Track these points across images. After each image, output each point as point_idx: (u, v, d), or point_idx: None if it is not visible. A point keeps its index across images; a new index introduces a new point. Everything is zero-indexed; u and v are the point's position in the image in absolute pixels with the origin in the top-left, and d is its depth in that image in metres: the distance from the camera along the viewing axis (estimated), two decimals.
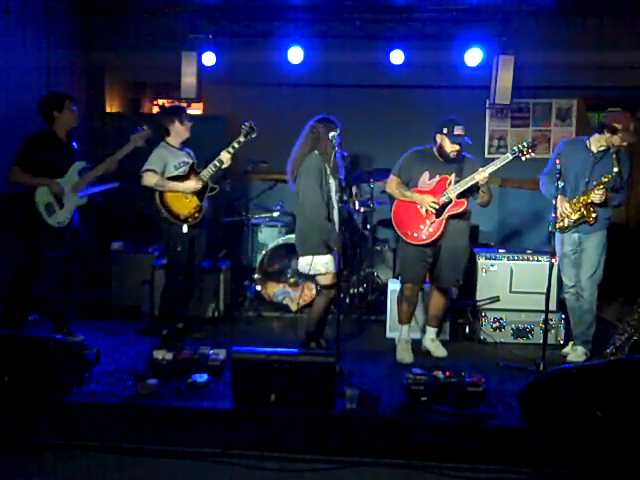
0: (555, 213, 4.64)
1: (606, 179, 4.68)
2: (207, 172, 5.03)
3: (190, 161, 5.10)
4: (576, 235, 4.88)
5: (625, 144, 4.70)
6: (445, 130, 4.69)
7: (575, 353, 4.95)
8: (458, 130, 4.68)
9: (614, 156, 4.65)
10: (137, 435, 3.73)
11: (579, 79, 6.93)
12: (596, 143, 4.79)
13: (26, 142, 4.68)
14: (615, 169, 4.65)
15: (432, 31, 6.56)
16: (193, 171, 5.06)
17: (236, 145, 4.96)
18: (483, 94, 6.82)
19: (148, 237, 6.24)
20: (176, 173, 5.02)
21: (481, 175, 4.62)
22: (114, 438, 3.70)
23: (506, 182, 6.90)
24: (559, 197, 4.72)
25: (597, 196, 4.70)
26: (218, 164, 5.00)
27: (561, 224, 4.83)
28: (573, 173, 4.83)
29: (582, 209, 4.77)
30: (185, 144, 5.17)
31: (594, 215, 4.77)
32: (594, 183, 4.73)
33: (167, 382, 4.11)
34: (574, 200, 4.80)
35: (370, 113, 6.90)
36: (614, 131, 4.65)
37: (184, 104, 6.46)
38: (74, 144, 4.93)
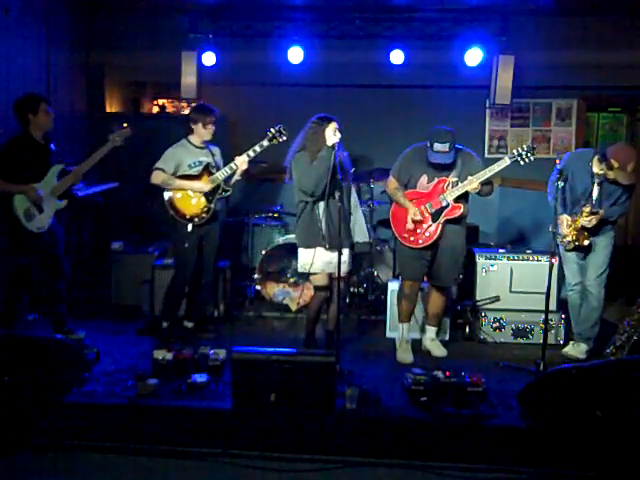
0: (555, 220, 4.64)
1: (589, 208, 4.69)
2: (221, 174, 5.02)
3: (207, 160, 5.07)
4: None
5: (618, 181, 4.66)
6: (428, 144, 4.63)
7: (578, 349, 4.95)
8: (439, 147, 4.55)
9: (598, 181, 4.68)
10: (137, 435, 3.73)
11: (579, 79, 6.93)
12: (597, 166, 4.73)
13: (1, 148, 4.62)
14: (595, 195, 4.70)
15: (432, 31, 6.56)
16: (207, 171, 5.04)
17: (258, 149, 4.92)
18: (483, 94, 6.82)
19: (148, 237, 6.25)
20: (189, 172, 5.01)
21: (473, 185, 4.61)
22: (114, 438, 3.70)
23: (506, 182, 6.90)
24: (563, 216, 4.75)
25: (586, 221, 4.71)
26: (234, 167, 4.98)
27: (564, 241, 4.84)
28: (574, 188, 4.81)
29: (576, 232, 4.78)
30: (210, 142, 5.15)
31: (586, 243, 4.76)
32: (583, 208, 4.73)
33: (167, 382, 4.11)
34: (570, 222, 4.80)
35: (370, 113, 6.90)
36: (610, 167, 4.61)
37: (184, 104, 6.44)
38: (52, 146, 4.86)
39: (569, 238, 4.80)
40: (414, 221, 4.71)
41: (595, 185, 4.73)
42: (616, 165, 4.57)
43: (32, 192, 4.64)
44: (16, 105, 4.71)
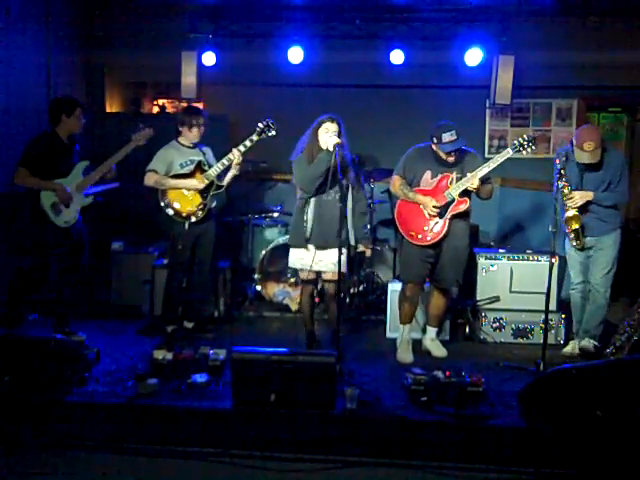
0: (555, 215, 4.63)
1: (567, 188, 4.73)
2: (213, 171, 5.04)
3: (198, 159, 5.09)
4: (587, 238, 4.89)
5: (579, 161, 4.70)
6: (435, 140, 4.66)
7: (584, 343, 4.96)
8: (447, 137, 4.59)
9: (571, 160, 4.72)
10: (137, 435, 3.73)
11: (579, 79, 6.93)
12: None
13: (30, 144, 4.74)
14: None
15: (432, 31, 6.56)
16: (199, 169, 5.07)
17: (248, 144, 4.95)
18: (483, 94, 6.82)
19: (148, 237, 6.24)
20: (181, 171, 5.04)
21: (474, 179, 4.61)
22: (114, 438, 3.70)
23: (506, 182, 6.90)
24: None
25: (570, 201, 4.74)
26: (226, 162, 5.00)
27: (575, 242, 4.86)
28: (570, 181, 4.83)
29: (572, 220, 4.80)
30: (201, 143, 5.18)
31: (581, 219, 4.78)
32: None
33: (167, 382, 4.12)
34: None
35: (370, 113, 6.89)
36: (572, 145, 4.71)
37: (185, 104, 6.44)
38: (77, 146, 4.96)
39: (573, 227, 4.81)
40: (435, 207, 4.69)
41: (582, 175, 4.76)
42: (575, 143, 4.66)
43: (62, 190, 4.74)
44: (53, 103, 4.84)
